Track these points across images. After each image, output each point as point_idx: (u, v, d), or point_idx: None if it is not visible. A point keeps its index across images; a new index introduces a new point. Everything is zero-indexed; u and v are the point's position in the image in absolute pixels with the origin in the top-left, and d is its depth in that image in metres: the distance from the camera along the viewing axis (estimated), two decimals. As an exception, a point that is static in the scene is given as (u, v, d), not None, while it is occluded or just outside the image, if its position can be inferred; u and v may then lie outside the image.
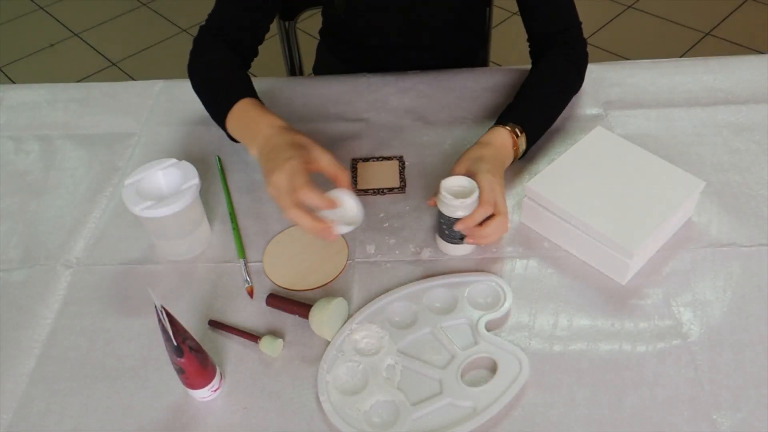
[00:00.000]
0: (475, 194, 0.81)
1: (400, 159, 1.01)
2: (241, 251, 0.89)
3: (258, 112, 0.89)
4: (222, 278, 0.87)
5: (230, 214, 0.94)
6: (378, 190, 0.96)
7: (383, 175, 0.98)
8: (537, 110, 0.99)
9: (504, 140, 0.92)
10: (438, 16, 1.15)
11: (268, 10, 1.06)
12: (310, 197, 0.76)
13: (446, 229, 0.84)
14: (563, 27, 1.05)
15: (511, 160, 0.93)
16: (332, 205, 0.78)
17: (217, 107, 0.94)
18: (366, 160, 1.01)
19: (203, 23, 1.05)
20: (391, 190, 0.96)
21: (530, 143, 0.96)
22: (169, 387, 0.76)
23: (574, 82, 1.06)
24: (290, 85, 1.18)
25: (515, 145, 0.93)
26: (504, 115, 0.96)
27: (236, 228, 0.92)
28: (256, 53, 1.07)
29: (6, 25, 3.00)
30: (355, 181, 0.98)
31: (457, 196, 0.81)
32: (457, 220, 0.82)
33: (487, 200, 0.82)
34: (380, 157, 1.01)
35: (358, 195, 0.86)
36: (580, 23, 1.06)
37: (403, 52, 1.20)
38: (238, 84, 0.95)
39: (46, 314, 0.84)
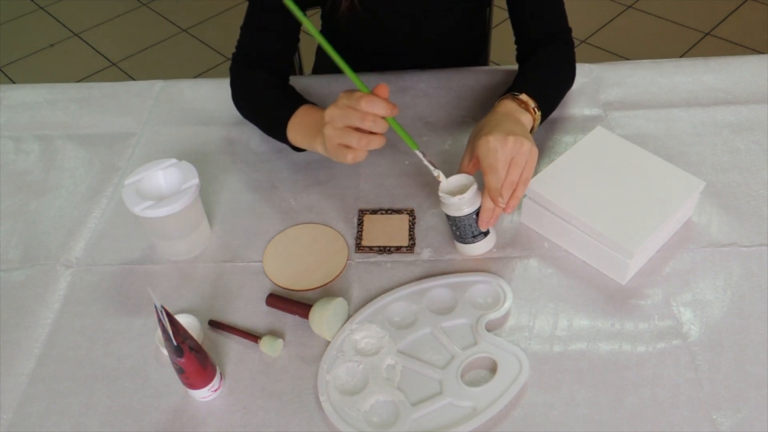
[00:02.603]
0: (474, 187, 0.80)
1: (411, 213, 0.93)
2: (412, 141, 0.82)
3: (319, 112, 0.89)
4: (222, 278, 0.87)
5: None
6: (384, 248, 0.88)
7: (391, 230, 0.90)
8: (539, 82, 0.98)
9: (507, 107, 0.91)
10: (439, 22, 1.15)
11: (291, 23, 1.06)
12: (374, 102, 0.77)
13: (456, 230, 0.83)
14: (554, 31, 1.05)
15: (526, 116, 0.91)
16: (393, 108, 0.78)
17: (274, 123, 0.96)
18: (374, 212, 0.93)
19: (234, 51, 1.06)
20: (398, 248, 0.88)
21: (542, 106, 0.94)
22: (169, 387, 0.76)
23: (570, 71, 1.06)
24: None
25: (523, 105, 0.91)
26: (510, 87, 0.96)
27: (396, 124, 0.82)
28: (290, 65, 1.09)
29: (6, 25, 3.01)
30: (360, 236, 0.90)
31: (455, 194, 0.81)
32: (465, 217, 0.81)
33: (488, 168, 0.80)
34: (389, 209, 0.94)
35: (362, 252, 0.88)
36: (570, 29, 1.07)
37: (403, 57, 1.20)
38: (287, 97, 0.97)
39: (46, 314, 0.84)
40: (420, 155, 0.82)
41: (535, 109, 0.93)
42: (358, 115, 0.78)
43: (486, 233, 0.84)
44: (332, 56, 0.80)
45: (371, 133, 0.79)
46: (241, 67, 1.04)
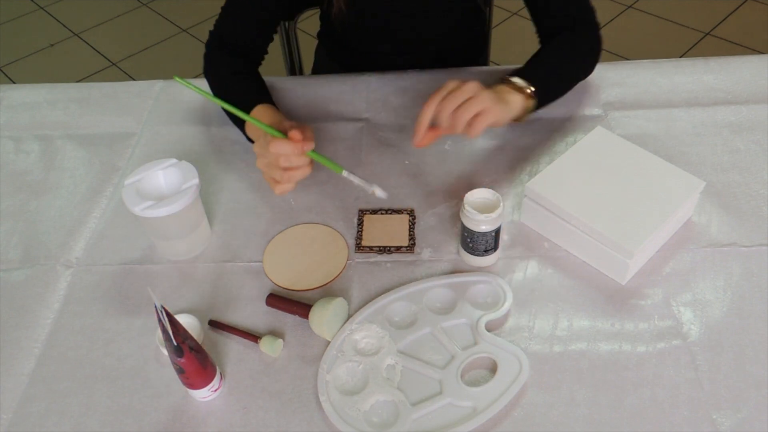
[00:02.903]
0: (500, 209, 0.80)
1: (411, 213, 0.93)
2: (336, 166, 0.86)
3: (269, 120, 0.91)
4: (222, 278, 0.87)
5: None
6: (384, 248, 0.88)
7: (391, 230, 0.90)
8: (543, 69, 0.99)
9: (501, 88, 0.93)
10: (439, 22, 1.15)
11: (272, 15, 1.08)
12: (280, 145, 0.82)
13: (470, 242, 0.83)
14: (575, 16, 1.05)
15: (514, 96, 0.93)
16: (302, 147, 0.83)
17: (236, 118, 0.99)
18: (374, 212, 0.93)
19: (212, 28, 1.08)
20: (398, 248, 0.88)
21: (539, 90, 0.95)
22: (169, 387, 0.76)
23: (586, 57, 1.05)
24: (290, 84, 1.18)
25: (517, 89, 0.93)
26: (509, 75, 0.97)
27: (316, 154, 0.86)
28: (264, 53, 1.10)
29: (6, 25, 3.00)
30: (360, 236, 0.90)
31: (480, 209, 0.81)
32: (484, 233, 0.81)
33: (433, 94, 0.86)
34: (389, 209, 0.94)
35: (362, 252, 0.88)
36: (593, 9, 1.05)
37: (402, 58, 1.20)
38: (250, 92, 0.99)
39: (46, 314, 0.84)
40: (348, 175, 0.86)
41: (527, 89, 0.94)
42: (272, 157, 0.83)
43: (495, 248, 0.84)
44: (232, 110, 0.86)
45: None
46: (214, 51, 1.07)
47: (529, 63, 1.01)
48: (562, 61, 1.03)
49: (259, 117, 0.93)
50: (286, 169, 0.83)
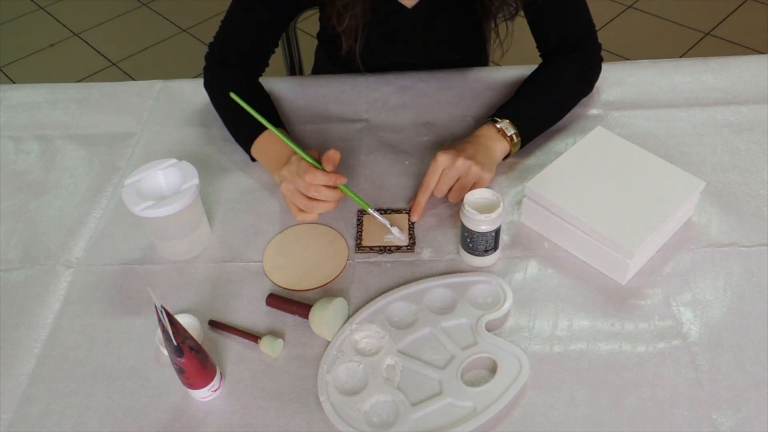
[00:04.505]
0: (500, 209, 0.81)
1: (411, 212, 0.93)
2: (363, 203, 0.88)
3: (282, 144, 0.92)
4: (222, 278, 0.87)
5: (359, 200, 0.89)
6: (384, 248, 0.88)
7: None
8: (530, 106, 1.00)
9: (485, 132, 0.95)
10: (440, 37, 1.15)
11: (274, 29, 1.08)
12: (316, 175, 0.83)
13: (470, 242, 0.83)
14: (576, 33, 1.05)
15: (501, 144, 0.95)
16: (336, 179, 0.85)
17: (241, 136, 1.00)
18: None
19: (212, 40, 1.07)
20: (398, 248, 0.88)
21: (523, 133, 0.96)
22: (169, 387, 0.76)
23: (580, 84, 1.06)
24: (290, 85, 1.18)
25: (504, 136, 0.95)
26: (497, 111, 0.98)
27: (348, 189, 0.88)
28: (266, 65, 1.11)
29: (6, 25, 3.00)
30: (360, 236, 0.90)
31: (480, 209, 0.81)
32: (483, 233, 0.82)
33: (423, 183, 0.90)
34: (389, 209, 0.94)
35: (362, 252, 0.89)
36: (593, 26, 1.06)
37: (402, 66, 1.20)
38: (262, 114, 0.96)
39: (46, 314, 0.84)
40: (374, 214, 0.88)
41: (514, 137, 0.95)
42: (303, 185, 0.85)
43: (495, 248, 0.84)
44: (285, 139, 0.88)
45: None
46: (215, 64, 1.07)
47: (519, 96, 1.02)
48: (553, 97, 1.03)
49: (268, 145, 0.95)
50: (312, 199, 0.85)
